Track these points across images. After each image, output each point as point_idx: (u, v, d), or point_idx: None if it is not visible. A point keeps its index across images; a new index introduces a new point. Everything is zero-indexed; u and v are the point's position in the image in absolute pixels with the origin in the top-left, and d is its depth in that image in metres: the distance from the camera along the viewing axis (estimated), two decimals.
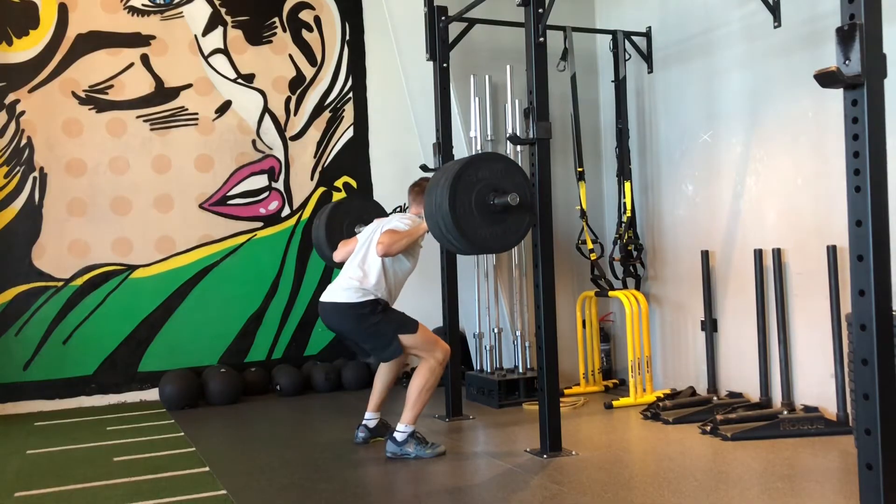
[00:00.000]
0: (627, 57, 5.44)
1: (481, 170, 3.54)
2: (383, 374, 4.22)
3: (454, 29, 4.99)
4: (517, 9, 3.86)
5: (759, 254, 4.58)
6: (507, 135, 4.97)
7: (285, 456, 4.03)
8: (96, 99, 5.70)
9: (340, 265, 4.25)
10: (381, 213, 4.87)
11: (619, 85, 5.44)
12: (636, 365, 5.02)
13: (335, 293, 3.97)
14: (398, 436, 3.86)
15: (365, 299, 3.89)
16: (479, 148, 5.38)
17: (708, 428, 4.14)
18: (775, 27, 4.44)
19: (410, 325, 3.93)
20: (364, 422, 4.23)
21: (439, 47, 4.88)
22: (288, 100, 6.20)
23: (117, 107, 5.74)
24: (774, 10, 4.42)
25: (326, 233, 4.72)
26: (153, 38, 5.84)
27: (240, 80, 6.07)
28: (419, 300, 5.15)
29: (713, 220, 4.98)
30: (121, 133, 5.75)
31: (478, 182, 3.51)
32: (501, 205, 3.51)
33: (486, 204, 3.52)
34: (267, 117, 6.13)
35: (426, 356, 3.91)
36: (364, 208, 4.87)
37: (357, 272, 3.96)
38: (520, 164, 5.31)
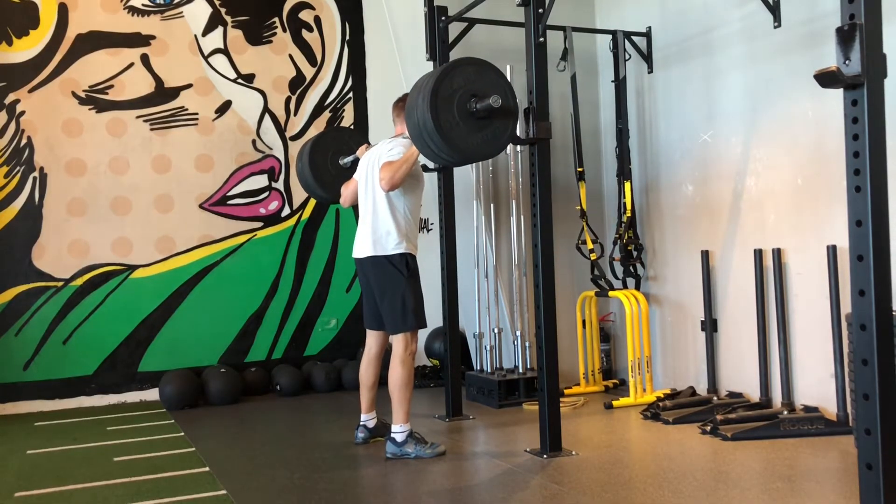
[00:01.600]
0: (627, 57, 5.44)
1: (455, 78, 3.45)
2: (365, 374, 4.18)
3: (454, 29, 4.99)
4: (517, 9, 3.85)
5: (759, 254, 4.58)
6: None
7: (285, 456, 4.03)
8: (96, 99, 5.70)
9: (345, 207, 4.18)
10: (359, 138, 4.76)
11: (619, 85, 5.44)
12: (636, 365, 5.02)
13: (367, 246, 3.94)
14: (397, 437, 3.86)
15: (398, 251, 3.88)
16: None
17: (708, 428, 4.14)
18: (775, 27, 4.44)
19: (423, 320, 3.94)
20: (362, 422, 4.22)
21: (439, 47, 4.88)
22: (288, 100, 6.20)
23: (117, 107, 5.75)
24: (774, 10, 4.41)
25: (313, 175, 4.60)
26: (153, 38, 5.84)
27: (240, 80, 6.07)
28: None
29: (713, 220, 4.98)
30: (121, 133, 5.75)
31: (455, 91, 3.42)
32: (484, 109, 3.43)
33: (468, 111, 3.44)
34: (267, 117, 6.13)
35: (404, 344, 3.88)
36: (340, 139, 4.72)
37: (377, 220, 3.92)
38: (519, 164, 5.35)
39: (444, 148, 3.44)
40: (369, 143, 4.46)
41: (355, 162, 4.43)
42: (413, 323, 3.89)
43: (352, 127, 4.74)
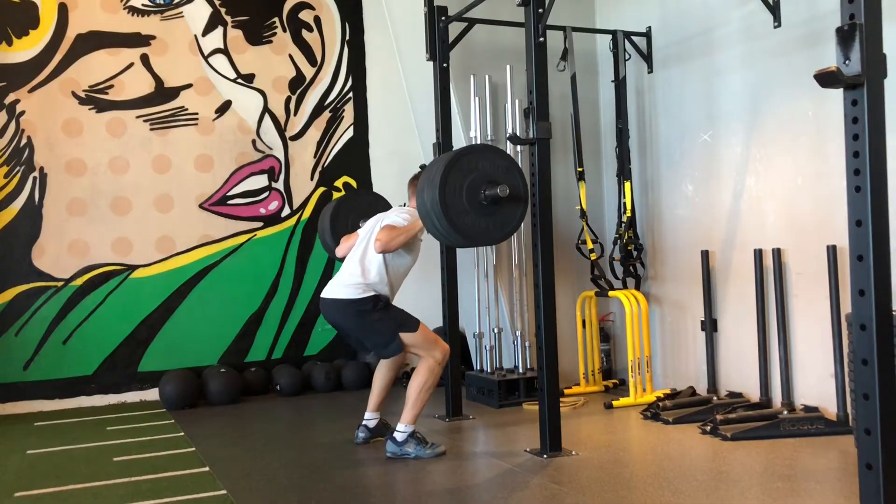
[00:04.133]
0: (627, 57, 5.44)
1: (481, 160, 3.52)
2: (382, 374, 4.22)
3: (454, 29, 4.99)
4: (517, 9, 3.85)
5: (759, 254, 4.58)
6: (507, 135, 4.97)
7: (285, 456, 4.03)
8: (96, 99, 5.70)
9: (342, 260, 4.23)
10: (378, 204, 4.80)
11: (619, 85, 5.44)
12: (636, 365, 5.02)
13: (336, 289, 3.97)
14: (398, 436, 3.86)
15: (365, 295, 3.89)
16: None
17: (708, 428, 4.14)
18: (775, 27, 4.44)
19: (411, 324, 3.93)
20: (364, 422, 4.23)
21: (439, 47, 4.88)
22: (288, 100, 6.20)
23: (117, 107, 5.74)
24: (774, 10, 4.41)
25: (331, 226, 4.70)
26: (153, 38, 5.84)
27: (240, 80, 6.07)
28: (419, 300, 5.14)
29: (713, 220, 4.97)
30: (121, 133, 5.75)
31: (464, 179, 3.49)
32: (491, 196, 3.49)
33: (476, 195, 3.51)
34: (267, 117, 6.13)
35: (425, 355, 3.91)
36: (372, 205, 4.79)
37: (357, 268, 3.95)
38: (520, 163, 5.34)
39: (451, 232, 3.51)
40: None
41: None
42: (399, 343, 3.87)
43: (382, 196, 4.85)
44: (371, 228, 4.08)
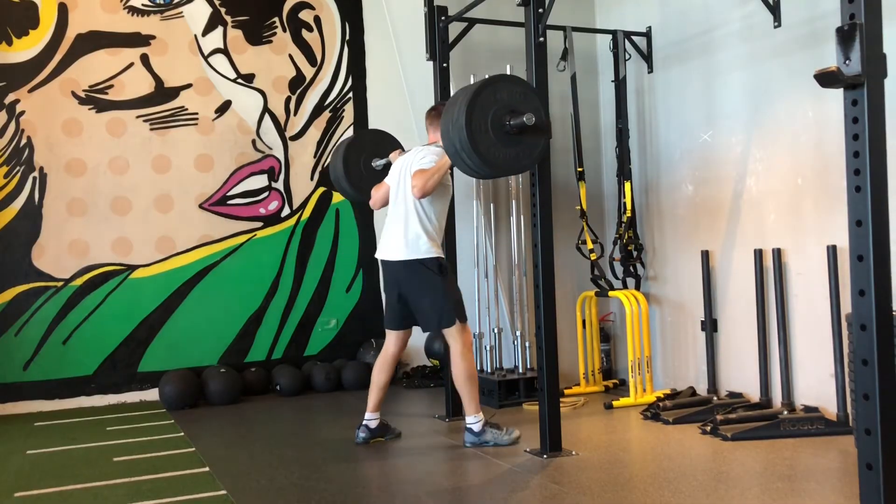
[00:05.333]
0: (627, 57, 5.45)
1: (490, 95, 3.53)
2: (379, 374, 4.21)
3: (454, 29, 4.99)
4: (517, 9, 3.86)
5: (759, 254, 4.58)
6: None
7: (285, 456, 4.03)
8: (96, 99, 5.69)
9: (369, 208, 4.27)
10: (394, 142, 4.81)
11: (619, 85, 5.44)
12: (636, 365, 5.02)
13: (399, 250, 4.02)
14: (473, 427, 3.98)
15: (428, 255, 3.97)
16: None
17: (708, 428, 4.14)
18: (775, 27, 4.44)
19: (464, 313, 4.05)
20: (364, 422, 4.22)
21: (439, 47, 4.88)
22: (288, 100, 6.20)
23: (117, 107, 5.74)
24: (774, 10, 4.42)
25: (345, 170, 4.72)
26: (153, 37, 5.84)
27: (240, 80, 6.06)
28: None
29: (713, 220, 4.98)
30: (121, 133, 5.75)
31: (489, 108, 3.51)
32: (517, 125, 3.51)
33: (501, 124, 3.52)
34: (267, 117, 6.13)
35: (453, 343, 4.00)
36: (376, 141, 4.82)
37: (408, 228, 4.01)
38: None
39: (478, 162, 3.51)
40: (402, 149, 4.56)
41: (387, 166, 4.53)
42: (453, 318, 3.99)
43: (384, 131, 4.83)
44: (398, 178, 4.12)
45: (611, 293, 5.24)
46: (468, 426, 4.00)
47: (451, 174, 4.82)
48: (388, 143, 4.75)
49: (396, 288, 4.12)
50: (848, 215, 2.48)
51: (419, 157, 4.05)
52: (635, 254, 5.39)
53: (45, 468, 3.98)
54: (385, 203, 4.25)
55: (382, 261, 4.16)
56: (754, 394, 4.65)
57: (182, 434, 4.60)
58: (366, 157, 4.73)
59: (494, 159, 3.52)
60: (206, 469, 3.79)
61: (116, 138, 5.74)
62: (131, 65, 5.79)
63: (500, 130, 3.51)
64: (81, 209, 5.63)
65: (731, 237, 4.84)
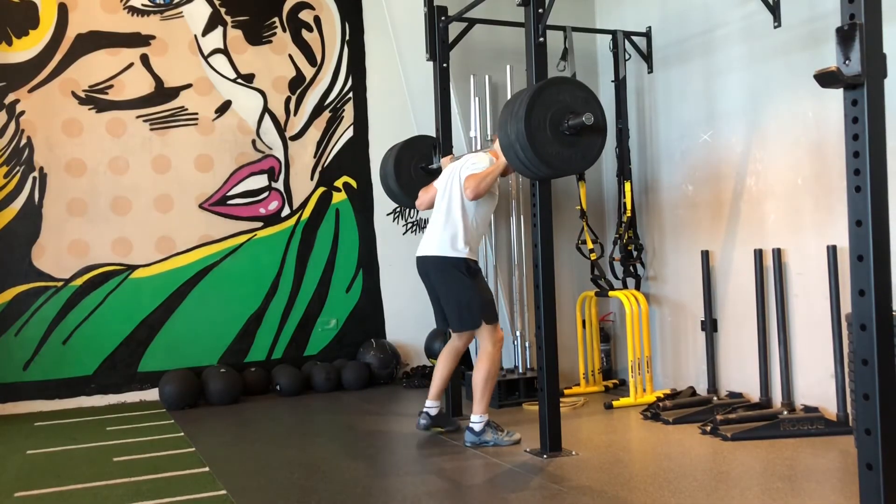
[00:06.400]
0: (627, 57, 5.44)
1: (562, 93, 3.59)
2: (443, 363, 4.33)
3: (454, 29, 4.99)
4: (517, 9, 3.86)
5: (759, 254, 4.58)
6: None
7: (285, 456, 4.03)
8: (96, 99, 5.69)
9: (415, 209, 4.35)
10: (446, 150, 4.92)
11: (619, 85, 5.44)
12: (636, 365, 5.02)
13: (433, 247, 4.12)
14: (475, 426, 4.03)
15: (459, 256, 4.03)
16: (478, 147, 5.37)
17: (708, 428, 4.14)
18: (775, 27, 4.44)
19: (492, 314, 4.06)
20: (425, 409, 4.35)
21: (439, 47, 4.88)
22: (288, 100, 6.20)
23: (117, 107, 5.74)
24: (774, 10, 4.41)
25: (395, 170, 4.88)
26: (153, 38, 5.84)
27: (240, 80, 6.06)
28: (420, 300, 5.13)
29: (713, 220, 4.98)
30: (121, 133, 5.75)
31: (557, 103, 3.57)
32: (576, 125, 3.55)
33: (559, 126, 3.57)
34: (267, 117, 6.13)
35: (484, 343, 4.05)
36: (429, 146, 4.96)
37: (446, 227, 4.09)
38: None
39: (536, 162, 3.56)
40: (454, 155, 4.68)
41: (438, 170, 4.65)
42: (479, 319, 4.03)
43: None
44: (447, 182, 4.21)
45: (611, 293, 5.24)
46: (470, 425, 4.05)
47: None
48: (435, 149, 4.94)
49: (430, 285, 4.23)
50: (848, 215, 2.48)
51: (470, 162, 4.17)
52: (635, 254, 5.39)
53: (45, 468, 3.98)
54: (431, 205, 4.35)
55: (417, 258, 4.24)
56: (754, 394, 4.65)
57: (182, 434, 4.60)
58: (417, 160, 4.91)
59: (549, 156, 3.57)
60: (206, 469, 3.79)
61: (116, 138, 5.74)
62: (131, 65, 5.79)
63: (557, 129, 3.57)
64: (81, 209, 5.63)
65: (731, 237, 4.84)
